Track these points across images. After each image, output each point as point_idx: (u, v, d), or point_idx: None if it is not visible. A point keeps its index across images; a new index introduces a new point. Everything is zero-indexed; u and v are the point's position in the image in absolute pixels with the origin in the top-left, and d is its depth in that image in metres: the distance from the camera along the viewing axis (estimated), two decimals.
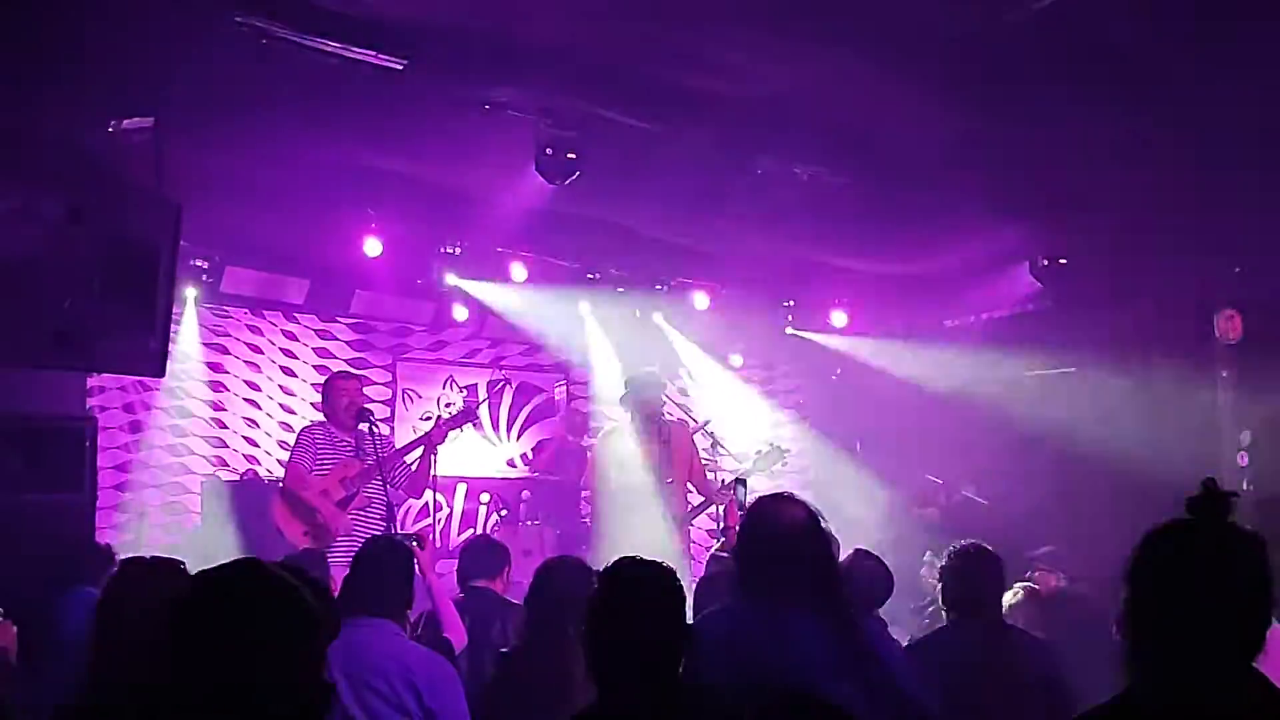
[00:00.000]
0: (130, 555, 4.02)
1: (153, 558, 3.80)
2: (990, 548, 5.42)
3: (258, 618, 2.20)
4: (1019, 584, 6.66)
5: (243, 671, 2.14)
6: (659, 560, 3.59)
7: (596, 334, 11.59)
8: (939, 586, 5.44)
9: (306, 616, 2.23)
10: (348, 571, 5.23)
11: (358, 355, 11.18)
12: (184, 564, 3.61)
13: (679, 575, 3.55)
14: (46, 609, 5.23)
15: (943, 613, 5.38)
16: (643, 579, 3.49)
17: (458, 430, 8.65)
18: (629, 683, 3.31)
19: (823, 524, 3.98)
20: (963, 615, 5.25)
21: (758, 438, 10.88)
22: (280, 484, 8.19)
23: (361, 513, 7.94)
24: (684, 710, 3.31)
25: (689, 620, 3.54)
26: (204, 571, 2.37)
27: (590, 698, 3.42)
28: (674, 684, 3.34)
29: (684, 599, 3.48)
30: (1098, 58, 6.07)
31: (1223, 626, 2.41)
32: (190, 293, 9.77)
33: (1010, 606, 6.18)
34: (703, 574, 6.55)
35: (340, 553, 7.27)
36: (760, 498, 4.23)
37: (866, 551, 5.97)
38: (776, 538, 3.91)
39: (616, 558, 3.63)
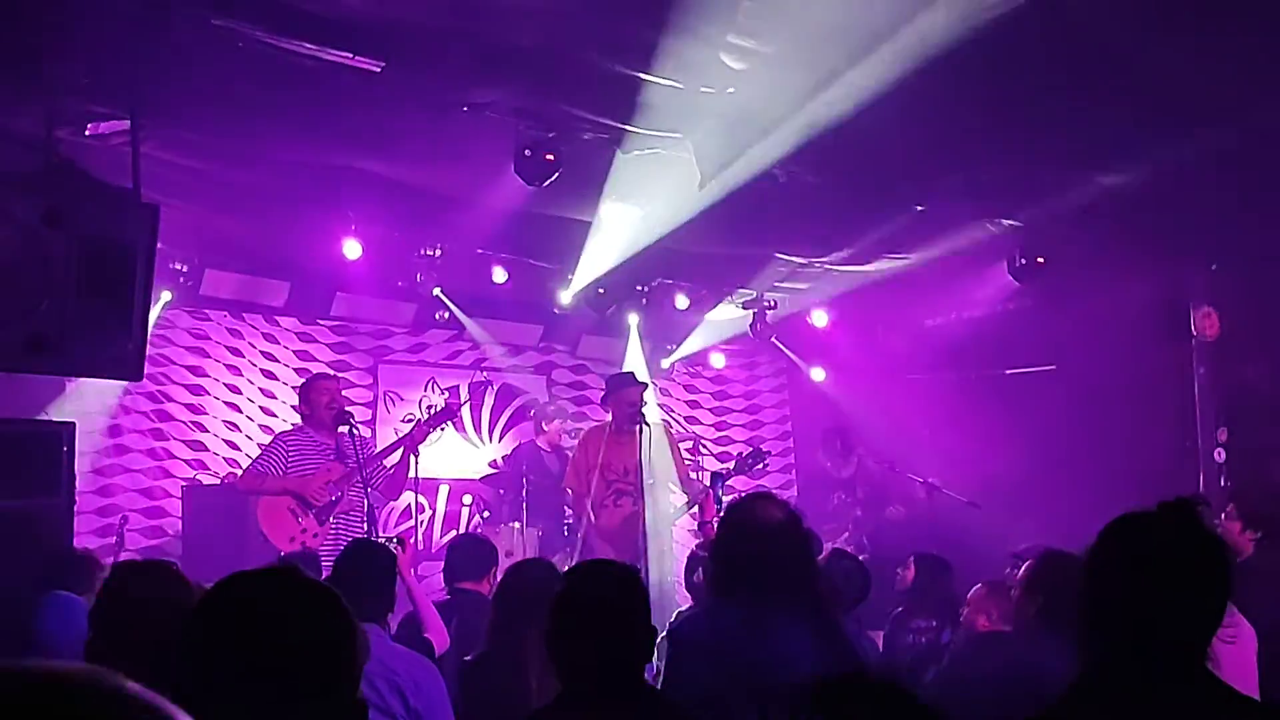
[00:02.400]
0: (122, 560, 4.01)
1: (145, 560, 3.79)
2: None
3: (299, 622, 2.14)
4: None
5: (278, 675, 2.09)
6: (622, 562, 3.60)
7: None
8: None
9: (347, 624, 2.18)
10: (328, 575, 5.23)
11: (339, 358, 11.16)
12: (176, 565, 3.60)
13: (666, 575, 3.56)
14: (23, 614, 5.21)
15: None
16: (603, 581, 3.49)
17: (439, 430, 8.63)
18: (589, 684, 3.31)
19: (802, 523, 3.98)
20: None
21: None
22: (238, 482, 8.17)
23: (344, 516, 7.92)
24: (647, 711, 3.31)
25: (668, 618, 3.54)
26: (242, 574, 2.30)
27: (548, 700, 3.42)
28: (636, 684, 3.34)
29: (647, 600, 3.47)
30: (1076, 54, 6.09)
31: (1176, 620, 2.43)
32: (165, 295, 9.72)
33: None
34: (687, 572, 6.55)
35: (324, 556, 7.25)
36: (739, 498, 4.22)
37: (843, 551, 5.98)
38: (755, 538, 3.91)
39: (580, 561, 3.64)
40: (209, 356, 10.59)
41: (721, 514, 4.12)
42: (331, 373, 9.70)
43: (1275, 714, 2.60)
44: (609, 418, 9.56)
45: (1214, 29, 5.82)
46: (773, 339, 12.11)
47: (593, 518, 9.01)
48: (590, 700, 3.28)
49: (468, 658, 5.21)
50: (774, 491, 10.21)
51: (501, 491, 10.70)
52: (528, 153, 7.15)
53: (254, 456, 8.77)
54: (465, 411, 11.50)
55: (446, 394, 11.45)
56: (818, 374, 12.55)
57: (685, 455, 9.80)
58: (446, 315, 11.01)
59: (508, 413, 12.09)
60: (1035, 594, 4.65)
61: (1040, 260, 9.70)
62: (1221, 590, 2.49)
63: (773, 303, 11.77)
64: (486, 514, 10.90)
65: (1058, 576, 4.40)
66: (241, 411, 10.70)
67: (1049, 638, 4.20)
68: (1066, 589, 2.99)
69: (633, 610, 3.39)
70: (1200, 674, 2.44)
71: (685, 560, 7.24)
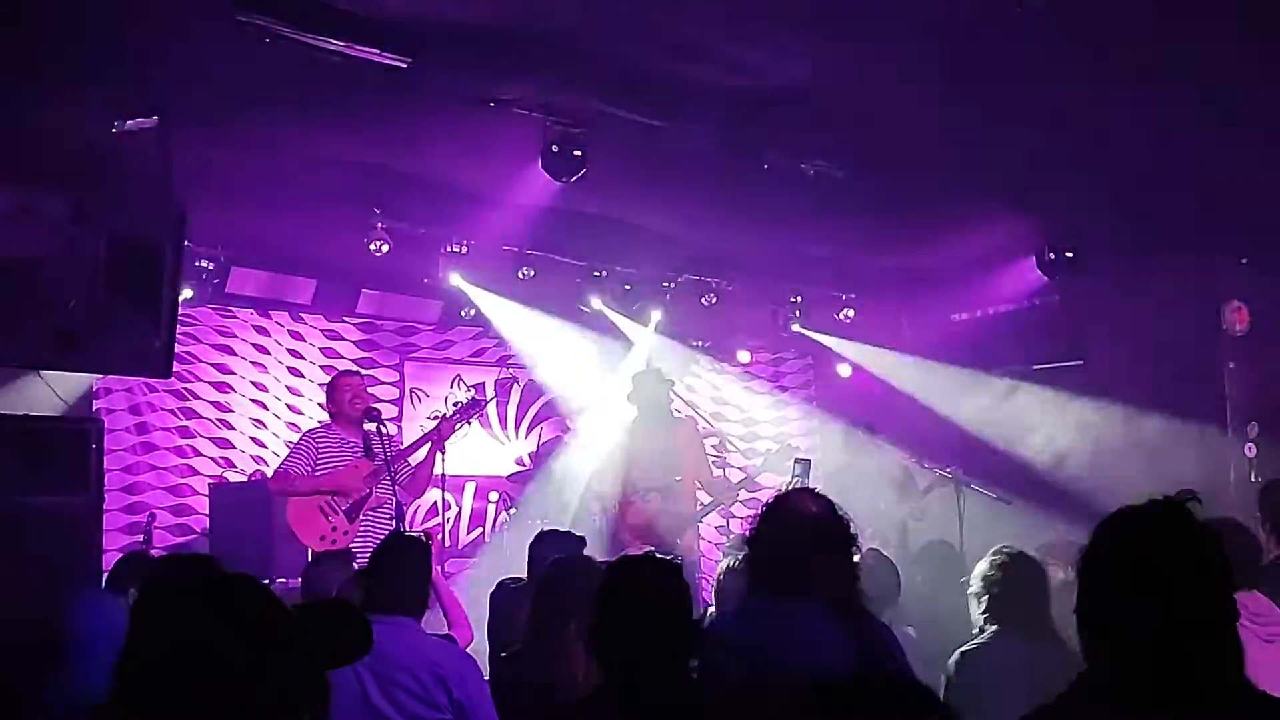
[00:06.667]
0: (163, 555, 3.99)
1: (188, 554, 3.77)
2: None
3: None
4: None
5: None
6: (665, 555, 3.59)
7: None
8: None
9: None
10: (363, 570, 5.21)
11: (365, 355, 11.17)
12: (216, 560, 3.58)
13: (693, 572, 3.54)
14: (54, 612, 5.21)
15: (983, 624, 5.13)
16: (648, 574, 3.48)
17: (465, 425, 8.59)
18: (633, 676, 3.30)
19: (843, 520, 3.92)
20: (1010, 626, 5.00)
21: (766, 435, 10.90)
22: (270, 482, 8.14)
23: (373, 513, 7.89)
24: (689, 704, 3.30)
25: (698, 614, 3.52)
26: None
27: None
28: (679, 678, 3.33)
29: (689, 594, 3.46)
30: (1103, 50, 6.05)
31: (1169, 616, 2.40)
32: (186, 292, 9.71)
33: None
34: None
35: (355, 553, 7.23)
36: (780, 492, 4.16)
37: (877, 551, 5.92)
38: (793, 532, 3.86)
39: (622, 554, 3.63)
40: (235, 354, 10.61)
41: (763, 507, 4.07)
42: (355, 369, 9.69)
43: None
44: (635, 414, 9.53)
45: (1241, 24, 5.77)
46: (799, 334, 12.08)
47: (621, 515, 8.98)
48: (631, 692, 3.28)
49: (503, 654, 5.19)
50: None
51: (528, 488, 10.69)
52: (555, 148, 7.14)
53: (282, 455, 8.77)
54: (491, 408, 11.49)
55: (472, 390, 11.43)
56: (844, 369, 12.50)
57: (711, 452, 9.76)
58: (472, 313, 10.99)
59: (534, 408, 12.08)
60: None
61: (1069, 255, 9.65)
62: (1217, 586, 2.46)
63: (799, 297, 11.74)
64: (513, 510, 10.89)
65: None
66: (268, 409, 10.71)
67: None
68: None
69: (676, 604, 3.38)
70: (1207, 671, 2.40)
71: (716, 559, 7.19)
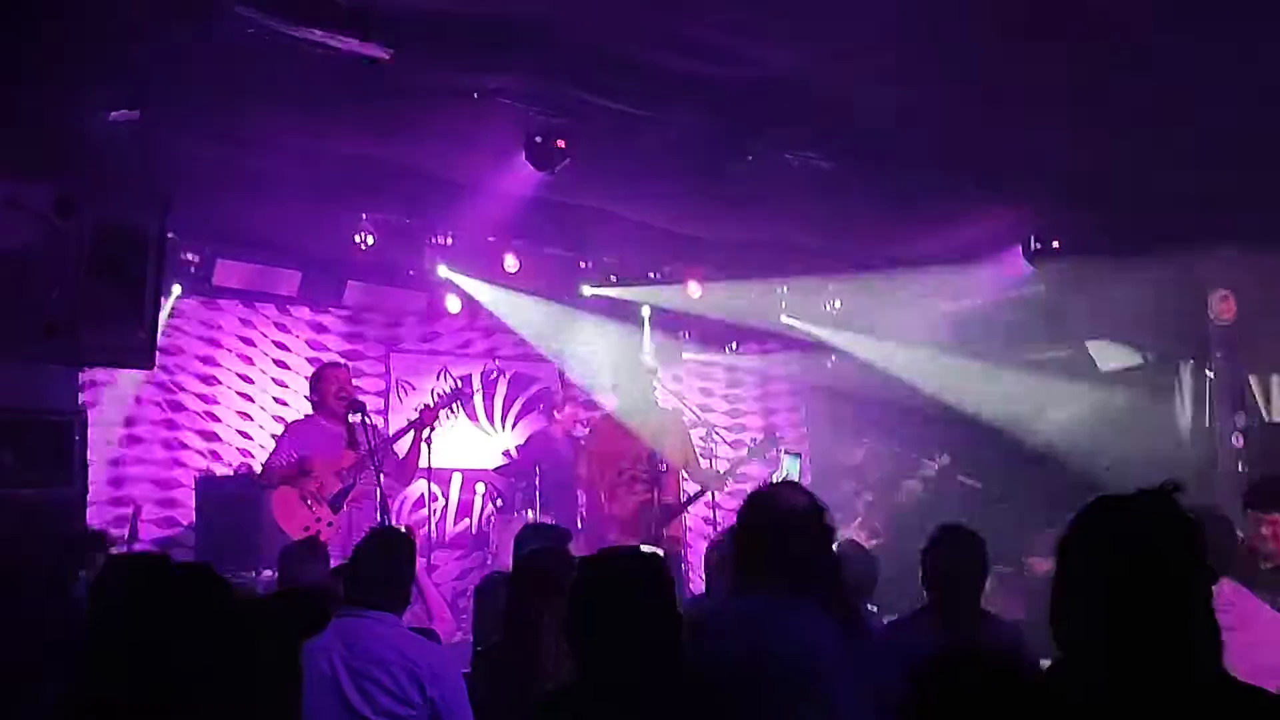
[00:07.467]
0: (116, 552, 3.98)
1: (132, 553, 3.77)
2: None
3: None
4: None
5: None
6: (642, 549, 3.58)
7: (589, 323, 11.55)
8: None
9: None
10: (346, 562, 5.20)
11: (351, 347, 11.15)
12: (167, 557, 3.58)
13: (678, 562, 3.53)
14: (40, 604, 5.20)
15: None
16: (622, 568, 3.47)
17: (449, 413, 8.60)
18: (604, 669, 3.29)
19: (824, 512, 3.93)
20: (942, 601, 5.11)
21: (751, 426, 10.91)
22: (259, 480, 8.14)
23: (357, 504, 7.90)
24: (662, 697, 3.29)
25: (678, 606, 3.51)
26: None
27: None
28: (651, 670, 3.31)
29: (667, 586, 3.45)
30: (1091, 37, 6.04)
31: (1150, 601, 2.40)
32: (176, 289, 9.71)
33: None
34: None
35: (337, 544, 7.22)
36: (761, 485, 4.18)
37: (854, 541, 5.96)
38: (777, 523, 3.87)
39: (599, 548, 3.62)
40: (221, 346, 10.59)
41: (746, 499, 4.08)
42: (341, 361, 9.69)
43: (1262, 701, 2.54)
44: (621, 404, 9.53)
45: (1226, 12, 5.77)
46: (786, 324, 12.06)
47: (606, 505, 8.98)
48: (602, 685, 3.27)
49: (479, 648, 5.18)
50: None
51: (514, 480, 10.68)
52: (538, 139, 7.13)
53: (268, 449, 8.76)
54: (478, 400, 11.49)
55: (459, 382, 11.42)
56: (830, 359, 12.49)
57: (698, 443, 9.77)
58: (458, 305, 10.98)
59: (520, 401, 12.06)
60: None
61: (1055, 244, 9.65)
62: (1195, 575, 2.46)
63: (785, 288, 11.73)
64: (499, 503, 10.88)
65: None
66: (254, 401, 10.69)
67: None
68: None
69: (652, 599, 3.37)
70: (1177, 660, 2.39)
71: (702, 548, 7.19)
